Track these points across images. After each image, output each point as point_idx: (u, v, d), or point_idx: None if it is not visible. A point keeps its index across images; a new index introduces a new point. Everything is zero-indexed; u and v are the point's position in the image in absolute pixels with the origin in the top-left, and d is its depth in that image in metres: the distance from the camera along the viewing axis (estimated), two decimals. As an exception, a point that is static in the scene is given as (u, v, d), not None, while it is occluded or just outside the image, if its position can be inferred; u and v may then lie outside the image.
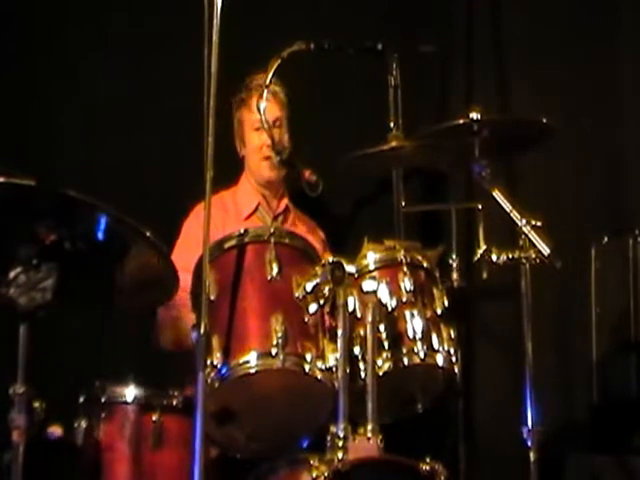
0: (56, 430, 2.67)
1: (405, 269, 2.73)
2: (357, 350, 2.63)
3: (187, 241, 3.24)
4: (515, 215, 2.86)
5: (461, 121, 2.96)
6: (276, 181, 3.44)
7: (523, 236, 2.85)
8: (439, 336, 2.71)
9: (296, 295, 2.60)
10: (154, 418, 2.72)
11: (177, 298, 2.95)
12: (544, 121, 3.00)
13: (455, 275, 3.27)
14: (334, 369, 2.55)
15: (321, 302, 2.59)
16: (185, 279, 2.60)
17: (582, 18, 3.87)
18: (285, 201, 3.49)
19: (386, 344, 2.65)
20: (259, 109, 3.11)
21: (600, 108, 3.84)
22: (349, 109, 3.83)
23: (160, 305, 3.03)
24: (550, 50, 3.86)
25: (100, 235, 2.38)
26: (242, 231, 2.70)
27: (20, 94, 3.78)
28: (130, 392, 2.75)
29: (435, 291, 2.78)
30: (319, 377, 2.55)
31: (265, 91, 3.12)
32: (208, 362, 2.51)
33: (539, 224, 2.84)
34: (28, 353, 2.31)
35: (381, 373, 2.62)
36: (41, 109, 3.81)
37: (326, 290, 2.58)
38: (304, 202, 3.44)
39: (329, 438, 2.47)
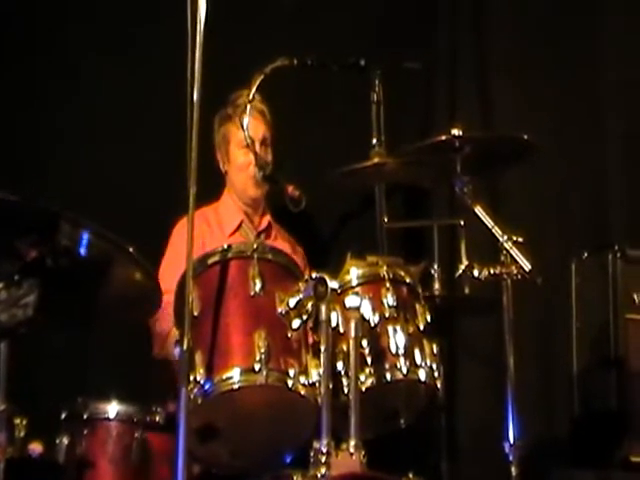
0: (37, 447, 2.65)
1: (388, 285, 2.73)
2: (340, 366, 2.63)
3: (171, 261, 3.21)
4: (497, 231, 2.88)
5: (443, 138, 2.98)
6: (260, 198, 3.45)
7: (504, 252, 2.87)
8: (422, 351, 2.71)
9: (279, 311, 2.60)
10: (137, 435, 2.71)
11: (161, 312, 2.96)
12: (525, 138, 3.02)
13: (436, 285, 3.27)
14: (317, 385, 2.54)
15: (304, 318, 2.59)
16: (168, 300, 2.59)
17: (565, 33, 3.91)
18: (267, 217, 3.50)
19: (369, 360, 2.65)
20: (242, 126, 3.11)
21: (583, 124, 3.87)
22: (332, 125, 3.84)
23: (145, 320, 3.02)
24: (533, 65, 3.89)
25: (82, 251, 2.37)
26: (225, 247, 2.69)
27: (20, 94, 3.77)
28: (112, 408, 2.74)
29: (417, 306, 2.78)
30: (302, 393, 2.55)
31: (248, 106, 3.13)
32: (191, 378, 2.50)
33: (520, 240, 2.86)
34: (9, 370, 2.30)
35: (364, 388, 2.61)
36: (40, 109, 3.81)
37: (309, 306, 2.58)
38: (287, 218, 3.44)
39: (312, 454, 2.46)
